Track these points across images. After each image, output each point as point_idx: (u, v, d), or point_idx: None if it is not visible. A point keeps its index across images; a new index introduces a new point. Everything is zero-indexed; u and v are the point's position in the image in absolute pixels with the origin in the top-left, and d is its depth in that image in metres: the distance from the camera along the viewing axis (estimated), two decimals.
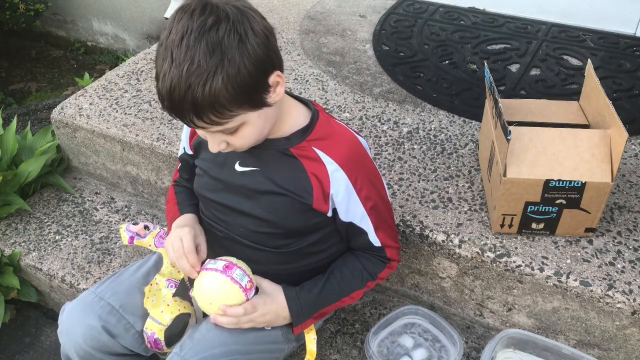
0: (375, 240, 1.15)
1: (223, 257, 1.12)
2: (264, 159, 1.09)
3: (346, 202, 1.09)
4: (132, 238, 1.27)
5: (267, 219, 1.11)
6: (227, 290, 1.07)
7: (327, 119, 1.12)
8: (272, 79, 0.95)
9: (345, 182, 1.07)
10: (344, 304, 1.19)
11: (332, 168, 1.07)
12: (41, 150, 1.83)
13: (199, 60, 0.87)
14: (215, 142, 0.99)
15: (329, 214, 1.11)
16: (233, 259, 1.11)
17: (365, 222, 1.13)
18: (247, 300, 1.09)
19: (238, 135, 0.98)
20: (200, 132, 1.02)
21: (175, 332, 1.20)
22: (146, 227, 1.32)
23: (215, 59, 0.87)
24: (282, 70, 0.97)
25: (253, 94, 0.94)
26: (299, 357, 1.34)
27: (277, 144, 1.08)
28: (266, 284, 1.15)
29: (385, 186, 1.18)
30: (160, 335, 1.15)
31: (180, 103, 0.89)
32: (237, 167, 1.11)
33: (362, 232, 1.14)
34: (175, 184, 1.34)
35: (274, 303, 1.13)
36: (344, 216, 1.12)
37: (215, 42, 0.87)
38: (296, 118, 1.09)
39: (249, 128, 0.98)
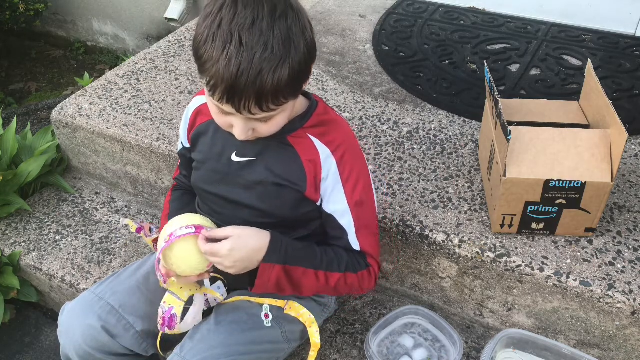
0: (354, 243, 1.12)
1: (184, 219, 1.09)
2: (261, 148, 1.10)
3: (331, 188, 1.09)
4: (140, 229, 1.27)
5: (263, 209, 1.11)
6: (185, 251, 1.05)
7: (325, 108, 1.13)
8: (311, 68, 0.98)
9: (334, 168, 1.08)
10: (319, 282, 1.09)
11: (325, 155, 1.08)
12: (41, 150, 1.83)
13: (273, 47, 0.87)
14: (245, 129, 0.99)
15: (319, 202, 1.11)
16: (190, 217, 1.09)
17: (346, 219, 1.10)
18: (199, 233, 1.04)
19: (270, 122, 0.99)
20: (223, 120, 1.00)
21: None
22: (150, 230, 1.33)
23: (286, 48, 0.88)
24: None
25: (302, 83, 0.96)
26: (299, 357, 1.34)
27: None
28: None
29: (375, 198, 1.15)
30: (177, 311, 1.13)
31: (246, 88, 0.88)
32: (234, 158, 1.12)
33: (343, 231, 1.11)
34: (175, 184, 1.35)
35: (255, 238, 1.05)
36: (326, 204, 1.11)
37: (285, 31, 0.89)
38: (296, 107, 1.09)
39: (282, 116, 0.99)
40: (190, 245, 1.05)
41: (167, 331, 1.15)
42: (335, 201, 1.10)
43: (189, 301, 1.17)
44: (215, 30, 0.89)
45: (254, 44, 0.87)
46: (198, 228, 1.05)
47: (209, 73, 0.90)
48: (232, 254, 1.02)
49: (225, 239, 1.03)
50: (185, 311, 1.17)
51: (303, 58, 0.92)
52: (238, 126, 0.98)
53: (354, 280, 1.12)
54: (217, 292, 1.19)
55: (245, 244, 1.04)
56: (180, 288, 1.15)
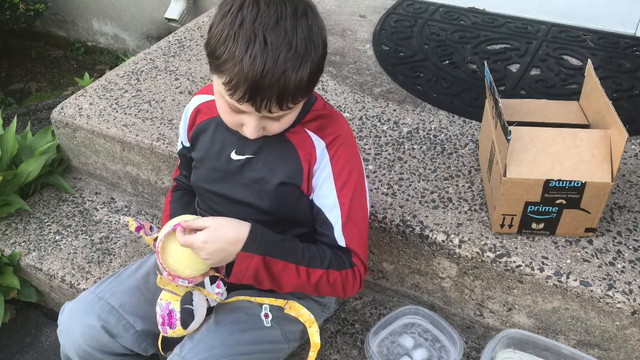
0: (340, 239, 1.08)
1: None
2: (260, 145, 1.10)
3: (322, 180, 1.08)
4: (139, 228, 1.27)
5: (263, 207, 1.11)
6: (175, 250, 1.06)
7: (323, 104, 1.13)
8: None
9: (327, 160, 1.08)
10: (301, 277, 1.05)
11: (321, 147, 1.08)
12: (41, 150, 1.83)
13: (296, 46, 0.88)
14: (258, 128, 0.99)
15: (311, 197, 1.11)
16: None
17: (334, 214, 1.08)
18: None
19: (282, 121, 1.00)
20: (234, 119, 1.00)
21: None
22: (151, 228, 1.32)
23: (307, 48, 0.90)
24: None
25: (317, 81, 0.97)
26: (299, 357, 1.34)
27: None
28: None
29: (367, 198, 1.13)
30: (176, 306, 1.12)
31: (270, 87, 0.89)
32: (233, 156, 1.11)
33: (329, 226, 1.09)
34: (175, 184, 1.35)
35: (232, 230, 1.03)
36: (316, 197, 1.10)
37: (307, 31, 0.90)
38: None
39: (294, 114, 1.01)
40: (183, 247, 1.05)
41: (169, 331, 1.14)
42: (324, 194, 1.09)
43: (188, 300, 1.17)
44: (236, 29, 0.88)
45: (278, 43, 0.87)
46: (177, 225, 1.05)
47: (229, 72, 0.90)
48: (206, 246, 1.00)
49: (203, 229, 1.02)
50: (188, 312, 1.17)
51: (321, 57, 0.94)
52: (250, 125, 0.98)
53: (337, 279, 1.07)
54: (214, 294, 1.18)
55: (220, 236, 1.02)
56: (177, 285, 1.15)
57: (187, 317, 1.15)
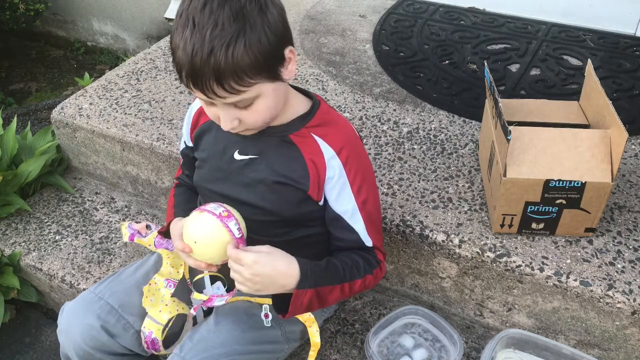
0: (367, 240, 1.12)
1: (224, 205, 1.05)
2: (263, 146, 1.10)
3: (338, 189, 1.08)
4: (132, 235, 1.27)
5: (265, 207, 1.11)
6: (216, 235, 1.01)
7: (327, 108, 1.13)
8: (287, 52, 0.97)
9: (339, 169, 1.07)
10: (344, 293, 1.09)
11: (329, 155, 1.07)
12: (41, 150, 1.83)
13: (223, 24, 0.88)
14: (229, 119, 0.98)
15: (321, 202, 1.11)
16: (233, 210, 1.05)
17: (356, 218, 1.10)
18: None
19: (252, 109, 0.98)
20: (210, 111, 1.00)
21: (173, 332, 1.20)
22: (148, 227, 1.32)
23: (238, 24, 0.89)
24: (293, 46, 0.99)
25: (271, 64, 0.95)
26: (299, 357, 1.34)
27: (276, 131, 1.08)
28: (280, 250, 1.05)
29: (379, 195, 1.16)
30: (157, 335, 1.15)
31: (202, 68, 0.89)
32: (236, 156, 1.11)
33: (352, 232, 1.11)
34: (177, 182, 1.35)
35: (283, 261, 1.02)
36: (333, 204, 1.10)
37: (237, 8, 0.89)
38: (297, 106, 1.09)
39: (263, 102, 0.98)
40: (220, 235, 1.01)
41: (155, 353, 1.18)
42: (343, 202, 1.10)
43: (180, 319, 1.19)
44: (178, 19, 0.92)
45: (204, 23, 0.88)
46: (231, 216, 1.02)
47: (174, 61, 0.93)
48: (253, 267, 0.99)
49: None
50: (179, 327, 1.19)
51: (264, 37, 0.91)
52: (221, 115, 0.99)
53: (371, 280, 1.13)
54: (204, 296, 1.19)
55: (271, 262, 1.01)
56: (160, 311, 1.16)
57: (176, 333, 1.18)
